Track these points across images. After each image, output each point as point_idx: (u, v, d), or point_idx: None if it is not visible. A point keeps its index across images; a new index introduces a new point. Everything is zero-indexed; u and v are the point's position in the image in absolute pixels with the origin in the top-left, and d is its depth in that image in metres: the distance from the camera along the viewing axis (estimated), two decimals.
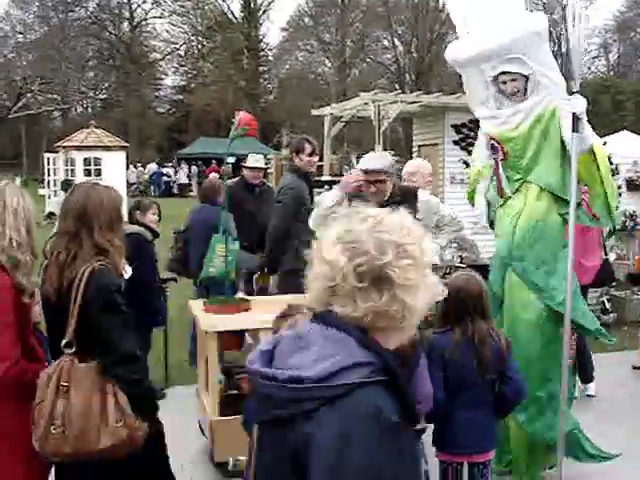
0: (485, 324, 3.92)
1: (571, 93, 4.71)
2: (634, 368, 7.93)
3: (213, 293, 6.82)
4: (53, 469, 3.44)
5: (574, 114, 4.59)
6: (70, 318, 3.14)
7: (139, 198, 7.31)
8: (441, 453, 4.01)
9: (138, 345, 6.42)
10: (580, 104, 4.63)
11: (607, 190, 4.89)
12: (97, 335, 3.14)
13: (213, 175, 25.54)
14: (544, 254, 4.88)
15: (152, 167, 41.06)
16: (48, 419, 3.08)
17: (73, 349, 3.15)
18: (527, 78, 4.76)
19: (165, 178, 41.11)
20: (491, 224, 5.36)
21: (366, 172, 5.15)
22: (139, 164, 41.05)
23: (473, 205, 5.52)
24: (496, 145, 5.02)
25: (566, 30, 4.62)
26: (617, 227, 5.19)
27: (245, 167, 7.99)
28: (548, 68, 4.73)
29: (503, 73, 4.80)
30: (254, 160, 8.00)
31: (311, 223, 5.54)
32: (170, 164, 43.50)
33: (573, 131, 4.60)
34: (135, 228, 6.60)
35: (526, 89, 4.82)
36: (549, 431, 4.76)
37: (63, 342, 3.14)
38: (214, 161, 37.64)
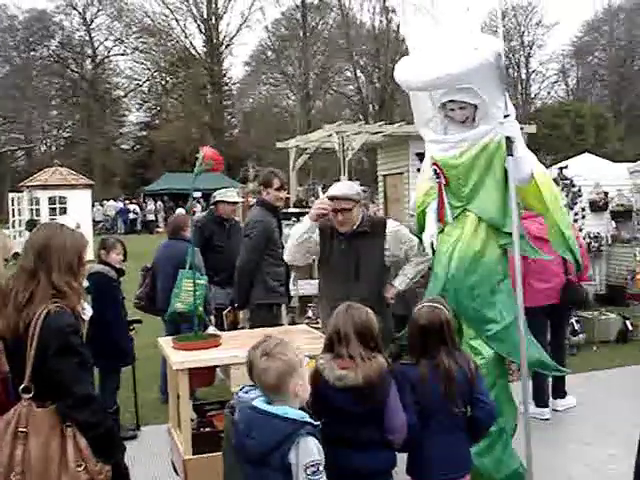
0: (451, 353, 3.91)
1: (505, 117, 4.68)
2: None
3: (183, 330, 6.78)
4: None
5: (508, 138, 4.58)
6: (27, 362, 3.11)
7: (104, 236, 7.23)
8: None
9: (109, 385, 6.41)
10: (514, 128, 4.62)
11: (556, 218, 4.77)
12: (53, 378, 3.11)
13: (179, 210, 25.51)
14: (480, 287, 4.77)
15: (112, 204, 40.77)
16: (7, 466, 3.04)
17: (31, 394, 3.12)
18: (476, 107, 4.74)
19: (132, 215, 40.88)
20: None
21: (332, 199, 5.17)
22: (105, 201, 40.81)
23: (421, 227, 5.27)
24: (438, 171, 4.92)
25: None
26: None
27: (224, 202, 8.00)
28: (498, 98, 4.68)
29: (451, 101, 4.77)
30: (232, 195, 8.05)
31: (285, 256, 5.54)
32: (134, 201, 43.23)
33: (508, 154, 4.60)
34: (99, 267, 6.57)
35: (475, 117, 4.79)
36: (497, 468, 4.68)
37: (21, 387, 3.11)
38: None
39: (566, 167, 13.19)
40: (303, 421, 3.12)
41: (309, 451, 3.06)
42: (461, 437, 3.96)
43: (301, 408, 3.26)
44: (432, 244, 5.07)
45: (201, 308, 6.61)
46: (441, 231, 5.03)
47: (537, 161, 4.91)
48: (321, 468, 3.08)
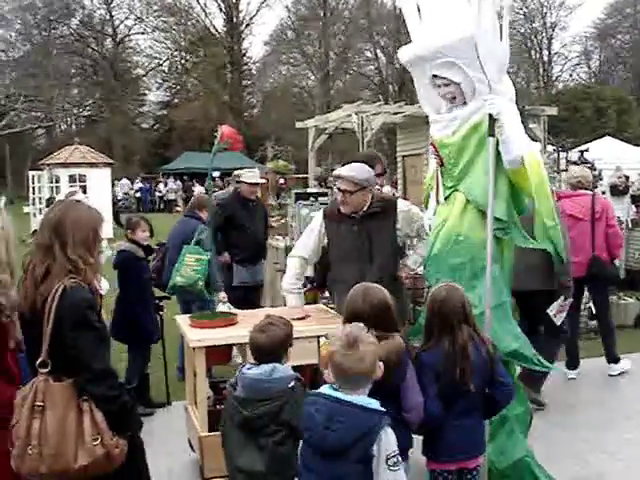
0: (468, 332, 3.91)
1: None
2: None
3: (194, 309, 6.89)
4: None
5: (490, 115, 4.43)
6: (44, 337, 3.13)
7: (129, 215, 7.33)
8: (432, 462, 3.98)
9: (136, 361, 6.48)
10: (497, 104, 4.43)
11: (540, 208, 4.58)
12: (70, 353, 3.14)
13: (198, 189, 25.53)
14: (461, 270, 4.66)
15: (125, 183, 40.93)
16: (24, 439, 3.08)
17: (48, 368, 3.15)
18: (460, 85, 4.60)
19: (157, 194, 41.26)
20: None
21: (338, 178, 5.17)
22: (117, 181, 40.98)
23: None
24: (433, 150, 4.85)
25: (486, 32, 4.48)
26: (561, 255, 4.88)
27: (243, 182, 8.04)
28: (483, 74, 4.52)
29: (435, 76, 4.68)
30: (252, 175, 8.08)
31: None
32: (150, 180, 43.40)
33: (489, 135, 4.44)
34: (125, 245, 6.69)
35: (464, 96, 4.66)
36: (500, 456, 4.62)
37: (37, 362, 3.14)
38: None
39: (587, 150, 13.14)
40: (383, 411, 3.10)
41: (390, 442, 3.05)
42: (478, 419, 3.98)
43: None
44: (430, 227, 5.08)
45: (201, 283, 6.72)
46: (434, 212, 4.99)
47: (530, 142, 4.73)
48: (400, 459, 3.06)
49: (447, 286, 4.02)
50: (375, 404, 3.10)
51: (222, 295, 7.07)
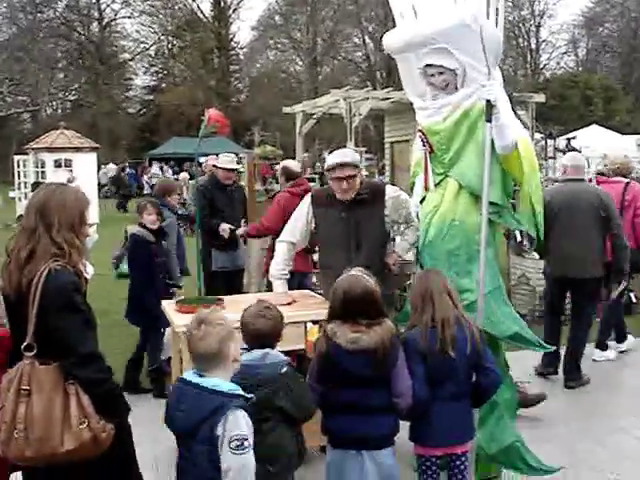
0: (450, 307, 3.92)
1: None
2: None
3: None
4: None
5: (488, 101, 4.41)
6: (29, 320, 3.10)
7: (140, 199, 7.29)
8: (419, 447, 3.99)
9: (152, 344, 6.45)
10: (495, 90, 4.43)
11: (530, 192, 4.58)
12: (56, 336, 3.10)
13: (182, 175, 25.40)
14: (457, 255, 4.67)
15: (111, 167, 40.65)
16: (10, 424, 3.05)
17: (33, 352, 3.11)
18: (455, 72, 4.59)
19: (153, 180, 41.07)
20: None
21: (340, 166, 5.13)
22: (104, 166, 40.67)
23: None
24: (423, 138, 4.81)
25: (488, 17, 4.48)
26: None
27: (218, 167, 7.98)
28: (480, 61, 4.51)
29: (428, 66, 4.65)
30: (227, 161, 7.98)
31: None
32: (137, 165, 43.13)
33: (486, 120, 4.43)
34: (134, 229, 6.69)
35: (456, 84, 4.64)
36: (490, 442, 4.65)
37: (23, 345, 3.11)
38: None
39: (574, 138, 13.16)
40: (233, 394, 3.14)
41: (237, 424, 3.07)
42: (466, 404, 3.99)
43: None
44: (417, 214, 5.05)
45: None
46: (423, 199, 4.96)
47: (522, 129, 4.75)
48: (246, 443, 3.07)
49: (428, 269, 4.13)
50: (225, 386, 3.15)
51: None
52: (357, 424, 3.68)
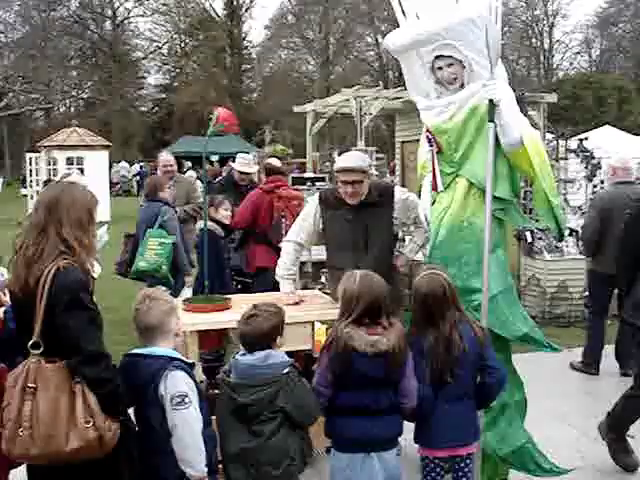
0: (456, 320, 3.89)
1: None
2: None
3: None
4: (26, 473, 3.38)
5: (490, 101, 4.37)
6: (36, 318, 3.09)
7: (212, 195, 7.29)
8: (423, 449, 3.97)
9: None
10: (499, 90, 4.39)
11: (544, 186, 4.50)
12: (63, 335, 3.09)
13: (189, 173, 25.39)
14: (468, 255, 4.63)
15: (123, 166, 40.75)
16: (15, 421, 3.04)
17: (40, 350, 3.10)
18: (463, 65, 4.56)
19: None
20: None
21: (345, 171, 5.10)
22: (115, 164, 40.80)
23: None
24: (430, 137, 4.76)
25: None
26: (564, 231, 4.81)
27: (235, 169, 8.17)
28: (485, 57, 4.47)
29: (438, 57, 4.61)
30: (242, 164, 8.17)
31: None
32: (151, 163, 43.22)
33: (489, 120, 4.39)
34: (208, 224, 6.66)
35: (463, 80, 4.61)
36: (501, 443, 4.62)
37: (30, 343, 3.10)
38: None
39: (586, 139, 13.07)
40: (171, 357, 3.41)
41: (177, 383, 3.32)
42: (470, 405, 3.96)
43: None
44: (426, 216, 4.99)
45: (165, 267, 6.70)
46: (434, 201, 4.90)
47: (528, 124, 4.70)
48: (187, 400, 3.31)
49: (428, 275, 3.99)
50: (162, 351, 3.42)
51: (188, 279, 7.10)
52: (366, 426, 3.67)
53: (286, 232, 6.50)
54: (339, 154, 11.76)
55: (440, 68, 4.65)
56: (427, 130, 4.82)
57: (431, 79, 4.77)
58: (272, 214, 7.43)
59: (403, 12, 4.86)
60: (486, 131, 4.50)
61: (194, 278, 6.87)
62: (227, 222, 6.86)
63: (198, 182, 10.04)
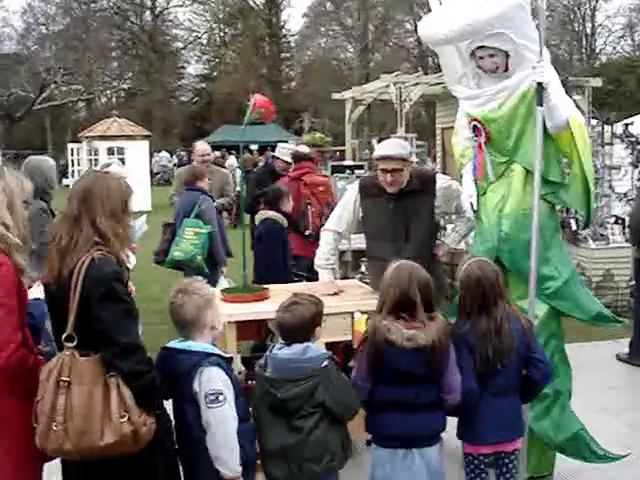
0: (504, 309, 3.78)
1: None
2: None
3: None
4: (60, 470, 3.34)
5: (539, 84, 4.25)
6: (70, 310, 3.02)
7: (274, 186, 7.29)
8: (468, 445, 3.86)
9: None
10: (547, 73, 4.27)
11: (584, 171, 4.42)
12: (97, 327, 3.02)
13: (231, 162, 25.36)
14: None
15: (164, 155, 40.90)
16: (49, 415, 2.97)
17: (74, 342, 3.03)
18: (507, 54, 4.41)
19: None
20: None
21: (384, 159, 4.98)
22: (156, 153, 41.03)
23: None
24: (479, 127, 4.62)
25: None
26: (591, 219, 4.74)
27: (278, 158, 8.13)
28: (533, 42, 4.36)
29: (480, 48, 4.44)
30: (284, 153, 8.18)
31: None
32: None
33: (538, 104, 4.28)
34: (270, 214, 6.75)
35: (507, 65, 4.47)
36: (556, 431, 4.55)
37: (64, 335, 3.03)
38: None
39: (632, 124, 12.75)
40: (207, 352, 3.33)
41: (211, 379, 3.25)
42: (515, 400, 3.85)
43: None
44: (472, 205, 4.83)
45: (200, 257, 6.64)
46: (484, 192, 4.76)
47: (574, 106, 4.59)
48: (221, 397, 3.23)
49: (477, 262, 3.89)
50: (198, 347, 3.35)
51: (224, 269, 7.02)
52: (408, 422, 3.56)
53: (311, 219, 6.43)
54: (378, 141, 11.62)
55: (481, 58, 4.50)
56: (474, 119, 4.67)
57: (469, 65, 4.62)
58: (300, 202, 7.37)
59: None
60: (535, 115, 4.38)
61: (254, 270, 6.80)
62: (289, 212, 6.86)
63: (238, 171, 10.04)
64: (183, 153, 41.83)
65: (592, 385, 6.43)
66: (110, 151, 23.22)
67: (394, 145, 5.16)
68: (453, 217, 5.35)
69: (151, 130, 28.75)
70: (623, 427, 5.81)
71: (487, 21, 4.29)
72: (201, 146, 8.83)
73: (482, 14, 4.28)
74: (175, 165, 40.33)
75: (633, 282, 9.30)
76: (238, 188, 15.30)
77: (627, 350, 7.51)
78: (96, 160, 22.76)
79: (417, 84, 12.49)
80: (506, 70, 4.50)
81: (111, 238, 3.15)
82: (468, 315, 3.79)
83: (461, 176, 5.08)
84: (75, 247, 3.09)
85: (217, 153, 39.78)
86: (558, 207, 4.96)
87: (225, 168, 13.39)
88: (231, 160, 24.82)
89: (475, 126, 4.68)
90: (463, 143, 4.96)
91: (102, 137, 23.41)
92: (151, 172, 28.60)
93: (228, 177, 9.23)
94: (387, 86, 12.83)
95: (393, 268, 3.66)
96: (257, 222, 6.95)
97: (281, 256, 6.58)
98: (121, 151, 23.35)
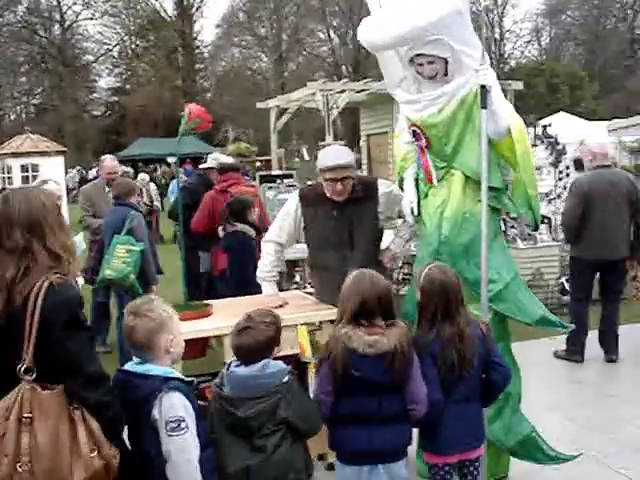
0: (465, 314, 3.73)
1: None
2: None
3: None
4: None
5: (483, 87, 4.25)
6: (27, 341, 2.77)
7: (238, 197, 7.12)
8: (432, 455, 3.77)
9: None
10: (490, 76, 4.28)
11: (524, 176, 4.50)
12: (60, 357, 2.80)
13: (141, 175, 24.85)
14: (473, 247, 4.52)
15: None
16: (13, 456, 2.71)
17: (33, 375, 2.79)
18: (446, 60, 4.40)
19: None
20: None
21: (334, 169, 4.84)
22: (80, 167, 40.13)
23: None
24: (418, 132, 4.63)
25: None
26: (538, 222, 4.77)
27: (214, 169, 8.02)
28: (472, 47, 4.38)
29: (419, 55, 4.44)
30: (214, 164, 8.09)
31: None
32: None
33: (482, 107, 4.28)
34: (239, 226, 6.70)
35: (447, 71, 4.46)
36: (508, 434, 4.56)
37: (22, 368, 2.77)
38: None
39: (549, 125, 13.05)
40: (167, 377, 3.11)
41: (171, 406, 3.03)
42: (478, 406, 3.81)
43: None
44: (412, 210, 4.85)
45: (133, 276, 6.41)
46: (425, 195, 4.78)
47: (514, 113, 4.61)
48: (183, 425, 3.03)
49: (437, 267, 3.84)
50: (158, 370, 3.11)
51: (154, 287, 6.82)
52: (373, 436, 3.46)
53: None
54: (307, 148, 11.55)
55: (421, 64, 4.49)
56: (413, 125, 4.65)
57: (408, 70, 4.60)
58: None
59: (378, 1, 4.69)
60: (474, 120, 4.40)
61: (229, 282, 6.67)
62: (257, 224, 6.85)
63: (152, 185, 9.86)
64: (97, 168, 40.97)
65: (533, 384, 6.43)
66: (24, 168, 22.49)
67: (342, 153, 5.02)
68: (398, 223, 5.28)
69: (64, 145, 28.00)
70: (571, 425, 5.87)
71: (425, 27, 4.26)
72: (109, 162, 8.59)
73: (420, 20, 4.25)
74: (77, 182, 38.60)
75: (562, 279, 9.49)
76: (156, 203, 15.04)
77: (564, 347, 7.58)
78: (10, 178, 22.05)
79: (343, 91, 12.48)
80: (446, 75, 4.49)
81: (63, 256, 2.92)
82: (431, 322, 3.71)
83: (401, 180, 5.05)
84: (26, 274, 2.84)
85: (125, 168, 39.27)
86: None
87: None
88: (142, 175, 24.43)
89: (414, 131, 4.68)
90: (404, 147, 4.94)
91: (15, 154, 22.68)
92: (67, 188, 27.90)
93: (149, 186, 9.10)
94: (313, 94, 12.77)
95: (352, 277, 3.59)
96: (222, 234, 6.89)
97: (251, 267, 6.42)
98: (35, 168, 22.60)
